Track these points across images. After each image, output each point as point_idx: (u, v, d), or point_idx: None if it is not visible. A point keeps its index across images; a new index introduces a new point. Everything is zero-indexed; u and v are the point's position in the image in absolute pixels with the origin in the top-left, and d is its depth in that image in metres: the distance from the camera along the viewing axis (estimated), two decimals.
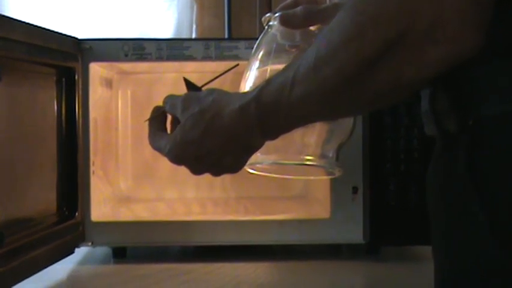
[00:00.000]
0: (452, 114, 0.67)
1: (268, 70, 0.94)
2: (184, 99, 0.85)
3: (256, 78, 0.95)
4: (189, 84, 0.91)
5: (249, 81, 0.96)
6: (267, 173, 0.95)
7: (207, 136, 0.81)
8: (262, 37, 0.98)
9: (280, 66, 0.78)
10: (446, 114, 0.68)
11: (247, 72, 0.97)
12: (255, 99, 0.76)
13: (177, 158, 0.85)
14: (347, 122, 0.93)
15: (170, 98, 0.89)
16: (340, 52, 0.67)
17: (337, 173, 0.94)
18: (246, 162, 0.85)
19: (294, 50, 0.96)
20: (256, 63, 0.96)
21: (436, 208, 0.71)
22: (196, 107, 0.82)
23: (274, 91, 0.74)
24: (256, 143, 0.82)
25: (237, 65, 0.95)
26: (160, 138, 0.88)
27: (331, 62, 0.67)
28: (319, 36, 0.72)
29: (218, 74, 0.93)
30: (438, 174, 0.71)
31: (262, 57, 0.97)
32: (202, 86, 0.91)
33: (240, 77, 0.98)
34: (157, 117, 0.91)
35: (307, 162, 0.91)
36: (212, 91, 0.84)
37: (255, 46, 0.98)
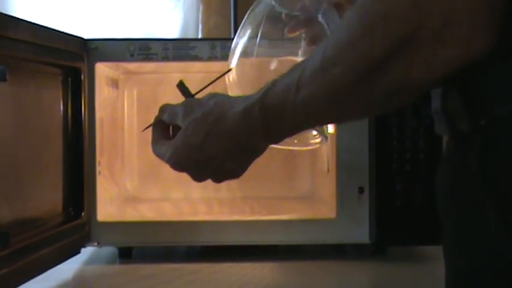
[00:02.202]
0: (464, 114, 0.67)
1: (258, 38, 0.94)
2: (186, 105, 0.85)
3: (245, 47, 0.95)
4: (183, 90, 0.90)
5: (237, 51, 0.95)
6: None
7: (209, 140, 0.80)
8: (256, 4, 0.98)
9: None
10: (459, 114, 0.67)
11: (236, 40, 0.96)
12: (260, 101, 0.75)
13: (178, 164, 0.84)
14: None
15: (168, 107, 0.88)
16: (348, 52, 0.66)
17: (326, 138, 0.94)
18: (247, 167, 0.84)
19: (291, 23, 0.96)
20: (247, 32, 0.96)
21: (446, 207, 0.71)
22: (199, 111, 0.81)
23: (279, 93, 0.73)
24: (259, 147, 0.81)
25: (230, 69, 0.95)
26: (162, 144, 0.87)
27: (338, 62, 0.67)
28: (326, 37, 0.71)
29: (210, 81, 0.93)
30: (449, 174, 0.71)
31: (253, 24, 0.96)
32: (196, 93, 0.90)
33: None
34: (159, 125, 0.90)
35: None
36: (214, 95, 0.83)
37: (247, 13, 0.97)
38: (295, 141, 1.03)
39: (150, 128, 0.91)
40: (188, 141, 0.81)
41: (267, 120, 0.75)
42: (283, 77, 0.74)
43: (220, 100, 0.81)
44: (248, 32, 0.96)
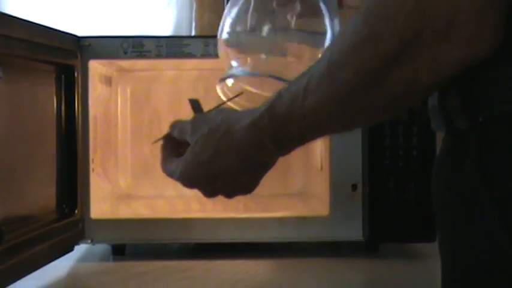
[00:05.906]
0: (462, 111, 0.67)
1: (251, 8, 0.94)
2: (193, 121, 0.85)
3: (236, 18, 0.95)
4: (194, 105, 0.90)
5: (227, 21, 0.96)
6: (243, 85, 0.94)
7: (218, 156, 0.80)
8: None
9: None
10: (456, 111, 0.67)
11: (226, 11, 0.97)
12: (268, 112, 0.75)
13: (188, 180, 0.84)
14: (319, 35, 0.92)
15: (178, 123, 0.89)
16: (353, 56, 0.66)
17: None
18: (259, 181, 0.83)
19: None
20: (239, 3, 0.96)
21: (442, 205, 0.71)
22: (206, 127, 0.81)
23: (287, 101, 0.73)
24: (270, 158, 0.81)
25: (242, 93, 0.95)
26: (172, 162, 0.87)
27: (344, 66, 0.67)
28: (331, 42, 0.71)
29: (222, 101, 0.93)
30: (445, 171, 0.71)
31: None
32: (209, 110, 0.90)
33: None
34: (168, 143, 0.91)
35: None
36: (221, 110, 0.83)
37: None
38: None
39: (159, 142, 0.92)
40: (197, 157, 0.81)
41: (276, 130, 0.75)
42: (290, 86, 0.74)
43: (227, 115, 0.81)
44: (240, 3, 0.96)
